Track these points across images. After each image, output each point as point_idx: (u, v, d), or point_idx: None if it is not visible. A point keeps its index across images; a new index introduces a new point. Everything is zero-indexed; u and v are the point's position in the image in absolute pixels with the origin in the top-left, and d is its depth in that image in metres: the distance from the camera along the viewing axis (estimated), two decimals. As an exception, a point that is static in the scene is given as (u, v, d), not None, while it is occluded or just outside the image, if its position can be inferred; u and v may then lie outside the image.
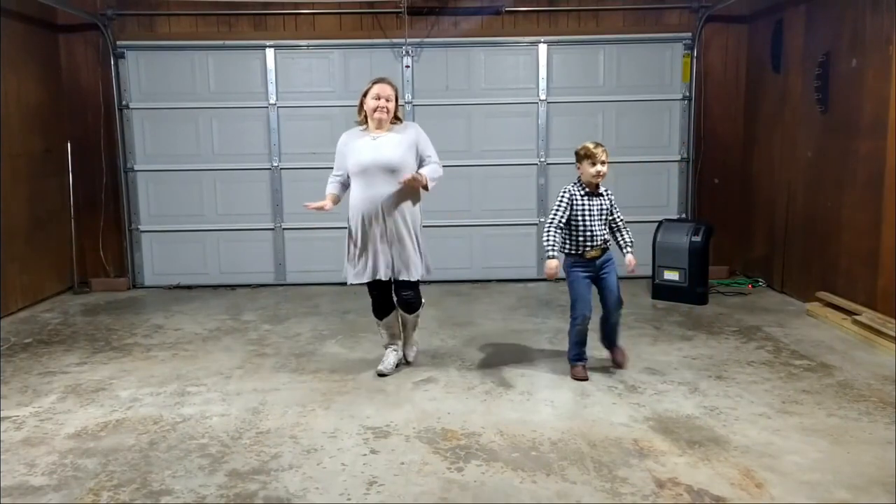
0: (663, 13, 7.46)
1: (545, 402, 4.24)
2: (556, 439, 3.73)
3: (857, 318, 5.42)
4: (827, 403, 4.15)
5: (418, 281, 4.62)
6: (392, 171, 4.41)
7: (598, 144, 4.51)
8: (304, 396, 4.38)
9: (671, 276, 6.59)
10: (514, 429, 3.86)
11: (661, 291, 6.66)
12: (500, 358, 5.07)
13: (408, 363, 4.93)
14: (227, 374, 4.81)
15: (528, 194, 7.60)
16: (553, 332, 5.71)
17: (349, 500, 3.17)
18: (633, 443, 3.68)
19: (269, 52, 7.39)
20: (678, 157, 7.62)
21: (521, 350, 5.27)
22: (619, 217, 4.64)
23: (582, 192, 4.55)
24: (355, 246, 4.55)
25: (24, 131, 6.70)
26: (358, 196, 4.51)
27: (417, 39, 7.34)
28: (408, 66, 7.38)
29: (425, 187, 4.48)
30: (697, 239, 6.50)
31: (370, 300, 4.73)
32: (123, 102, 7.41)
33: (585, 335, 4.64)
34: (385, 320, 4.77)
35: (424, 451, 3.62)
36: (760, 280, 7.23)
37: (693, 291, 6.49)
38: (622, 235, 4.64)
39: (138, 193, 7.55)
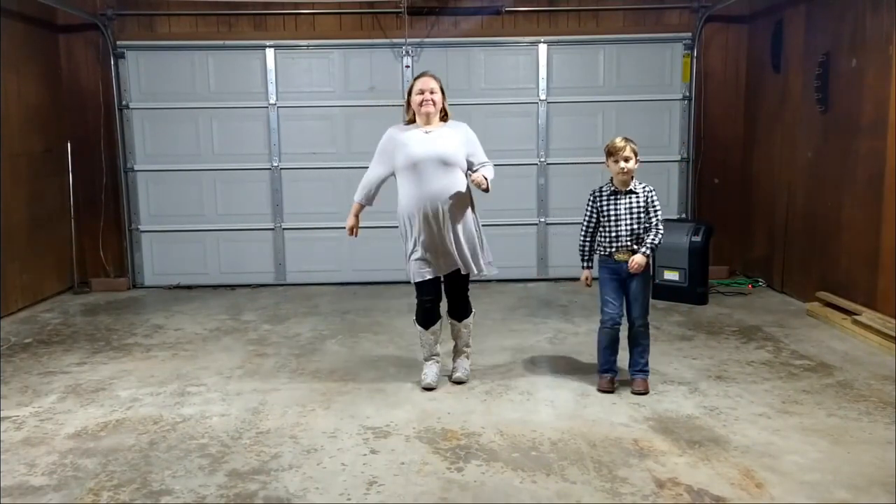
0: (663, 13, 7.46)
1: (545, 402, 4.24)
2: (556, 439, 3.73)
3: (857, 318, 5.42)
4: (827, 403, 4.15)
5: (468, 287, 4.50)
6: (447, 164, 4.23)
7: (626, 140, 4.25)
8: (304, 396, 4.38)
9: (671, 276, 6.59)
10: (514, 429, 3.86)
11: (661, 291, 6.66)
12: (500, 358, 5.07)
13: (456, 383, 4.52)
14: (227, 374, 4.81)
15: (528, 194, 7.60)
16: (553, 332, 5.71)
17: (349, 500, 3.17)
18: (633, 443, 3.68)
19: (269, 52, 7.39)
20: (678, 157, 7.62)
21: (521, 350, 5.27)
22: (654, 216, 4.27)
23: (608, 192, 4.31)
24: (415, 244, 4.31)
25: (24, 131, 6.70)
26: (412, 192, 4.26)
27: (417, 39, 7.34)
28: (408, 66, 7.38)
29: (487, 189, 4.26)
30: (697, 239, 6.50)
31: (418, 305, 4.45)
32: (123, 102, 7.41)
33: (614, 342, 4.40)
34: (431, 328, 4.48)
35: (424, 451, 3.61)
36: (760, 280, 7.23)
37: (693, 291, 6.49)
38: (647, 236, 4.26)
39: (138, 193, 7.55)
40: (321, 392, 4.45)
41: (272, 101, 7.45)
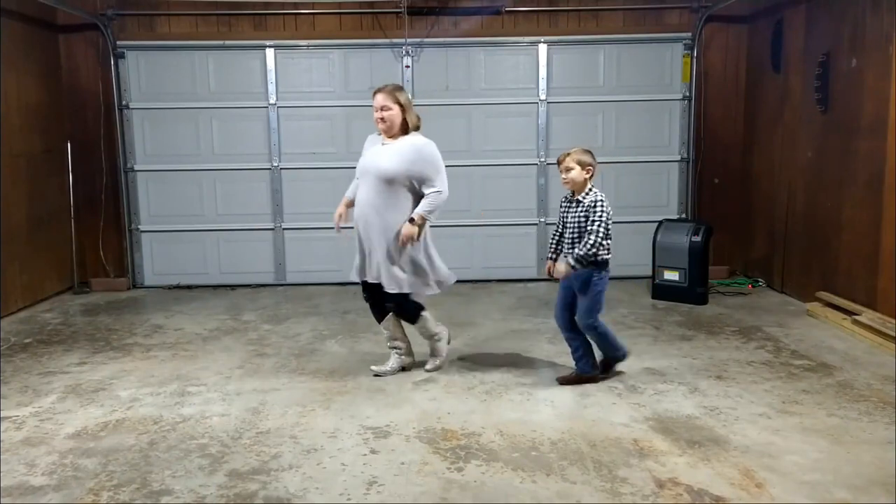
0: (663, 13, 7.46)
1: (545, 402, 4.24)
2: (556, 439, 3.73)
3: (857, 318, 5.42)
4: (827, 403, 4.15)
5: (403, 294, 4.53)
6: (384, 180, 4.38)
7: (568, 153, 4.36)
8: (304, 396, 4.38)
9: (671, 276, 6.59)
10: (514, 429, 3.86)
11: (661, 291, 6.66)
12: (500, 358, 5.07)
13: (427, 370, 4.79)
14: (227, 374, 4.81)
15: (528, 194, 7.60)
16: (553, 332, 5.69)
17: (349, 500, 3.17)
18: (633, 443, 3.68)
19: (269, 52, 7.39)
20: (678, 157, 7.62)
21: (521, 350, 5.27)
22: (590, 226, 4.25)
23: (568, 199, 4.47)
24: (357, 244, 4.60)
25: (24, 131, 6.70)
26: (357, 198, 4.55)
27: (417, 39, 7.34)
28: (408, 66, 7.38)
29: (421, 225, 4.43)
30: (697, 239, 6.50)
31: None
32: (123, 102, 7.41)
33: (567, 341, 4.60)
34: (382, 324, 4.73)
35: (424, 451, 3.62)
36: (760, 280, 7.23)
37: (693, 291, 6.49)
38: (578, 244, 4.29)
39: (138, 193, 7.55)
40: (321, 392, 4.45)
41: (272, 101, 7.45)
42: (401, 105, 4.43)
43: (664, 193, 7.68)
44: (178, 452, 3.65)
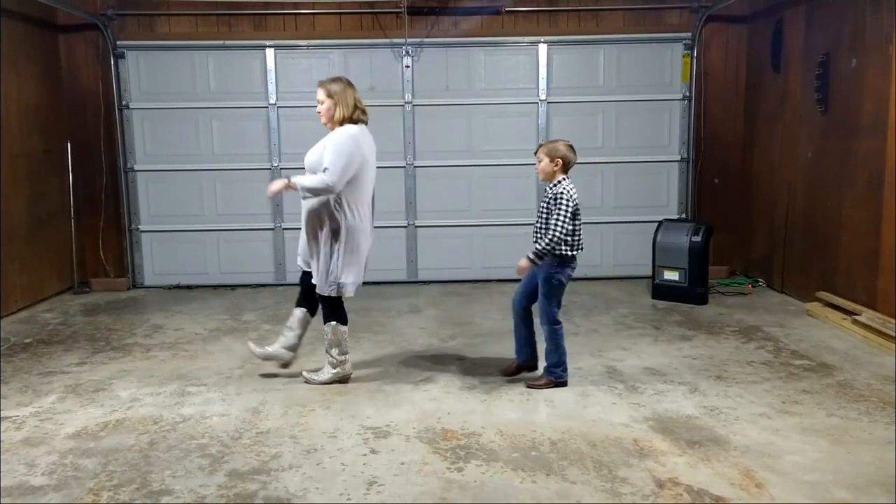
0: (663, 13, 7.46)
1: (545, 402, 4.24)
2: (556, 439, 3.73)
3: (857, 318, 5.42)
4: (827, 403, 4.15)
5: (327, 298, 4.39)
6: (307, 170, 4.31)
7: (542, 143, 4.44)
8: (304, 396, 4.38)
9: (671, 276, 6.59)
10: (514, 429, 3.86)
11: (661, 291, 6.66)
12: (500, 358, 5.07)
13: (303, 375, 4.62)
14: (227, 374, 4.81)
15: (528, 194, 7.60)
16: (553, 332, 5.70)
17: (349, 500, 3.17)
18: (633, 443, 3.68)
19: (269, 52, 7.39)
20: (678, 157, 7.62)
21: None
22: (551, 224, 4.23)
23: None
24: None
25: (24, 131, 6.70)
26: None
27: (417, 39, 7.34)
28: (408, 66, 7.38)
29: (287, 188, 4.27)
30: (697, 239, 6.50)
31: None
32: (123, 102, 7.41)
33: (516, 324, 4.61)
34: (295, 308, 4.65)
35: (424, 451, 3.62)
36: (760, 280, 7.23)
37: (693, 291, 6.49)
38: (541, 236, 4.31)
39: (138, 193, 7.55)
40: (321, 392, 4.44)
41: (272, 101, 7.45)
42: (331, 97, 4.31)
43: (664, 193, 7.68)
44: (178, 452, 3.65)
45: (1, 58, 6.32)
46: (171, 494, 3.23)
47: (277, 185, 4.34)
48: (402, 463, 3.49)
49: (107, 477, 3.40)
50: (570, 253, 4.31)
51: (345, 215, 4.28)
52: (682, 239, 6.55)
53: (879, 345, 5.08)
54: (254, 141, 7.50)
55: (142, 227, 7.59)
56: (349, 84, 4.37)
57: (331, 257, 4.32)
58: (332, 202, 4.26)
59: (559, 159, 4.29)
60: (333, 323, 4.46)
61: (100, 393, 4.50)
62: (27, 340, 5.67)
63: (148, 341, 5.62)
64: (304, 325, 4.64)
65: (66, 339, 5.70)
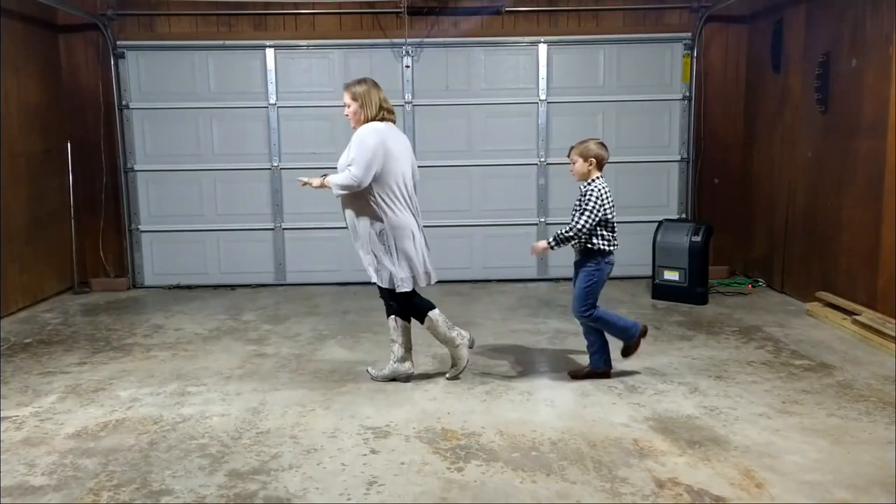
0: (663, 13, 7.46)
1: (545, 402, 4.24)
2: (556, 439, 3.73)
3: (857, 318, 5.42)
4: (827, 403, 4.15)
5: (392, 289, 4.41)
6: (340, 170, 4.35)
7: (574, 144, 4.47)
8: (304, 396, 4.38)
9: (671, 276, 6.59)
10: (514, 429, 3.86)
11: (661, 291, 6.66)
12: (500, 358, 5.07)
13: (447, 378, 4.62)
14: (227, 374, 4.81)
15: (528, 194, 7.60)
16: (553, 332, 5.71)
17: (349, 500, 3.17)
18: (633, 443, 3.68)
19: (269, 52, 7.39)
20: (678, 157, 7.62)
21: (521, 350, 5.27)
22: (576, 215, 4.35)
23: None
24: None
25: (24, 131, 6.70)
26: None
27: (417, 39, 7.34)
28: (408, 66, 7.38)
29: (317, 185, 4.39)
30: (697, 239, 6.50)
31: (375, 302, 4.62)
32: (123, 102, 7.41)
33: (584, 335, 4.61)
34: (387, 320, 4.62)
35: (424, 451, 3.62)
36: (760, 280, 7.23)
37: (693, 291, 6.49)
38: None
39: (138, 193, 7.55)
40: (321, 392, 4.45)
41: (272, 101, 7.45)
42: (356, 99, 4.37)
43: (664, 193, 7.68)
44: (178, 452, 3.65)
45: (1, 58, 6.32)
46: (171, 494, 3.23)
47: (316, 181, 4.42)
48: (402, 463, 3.49)
49: (107, 477, 3.40)
50: (607, 247, 4.40)
51: (384, 213, 4.33)
52: (682, 239, 6.55)
53: (879, 345, 5.08)
54: (254, 141, 7.50)
55: (142, 227, 7.59)
56: (374, 85, 4.41)
57: (383, 256, 4.37)
58: (370, 202, 4.31)
59: (592, 158, 4.38)
60: (393, 317, 4.55)
61: (100, 393, 4.50)
62: (27, 340, 5.68)
63: (148, 341, 5.62)
64: (405, 332, 4.59)
65: (66, 339, 5.70)
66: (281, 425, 3.96)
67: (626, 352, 4.61)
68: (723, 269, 7.49)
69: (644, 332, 4.60)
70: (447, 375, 4.63)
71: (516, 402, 4.24)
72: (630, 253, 7.43)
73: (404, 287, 4.40)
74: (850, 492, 3.17)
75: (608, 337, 4.56)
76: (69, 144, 7.31)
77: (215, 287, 7.51)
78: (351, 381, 4.62)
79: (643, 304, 6.55)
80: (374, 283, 4.49)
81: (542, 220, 7.63)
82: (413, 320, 4.60)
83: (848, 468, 3.37)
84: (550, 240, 4.41)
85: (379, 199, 4.30)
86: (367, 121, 4.36)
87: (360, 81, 4.42)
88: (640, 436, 3.76)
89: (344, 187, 4.26)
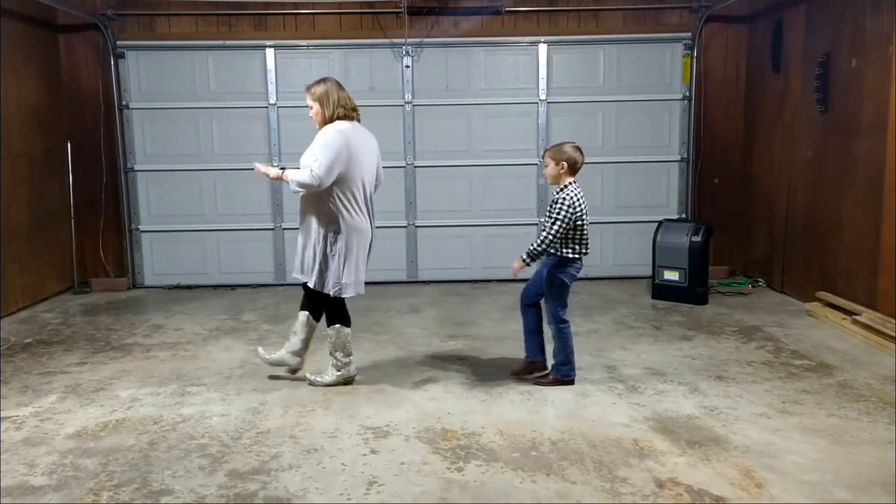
0: (663, 13, 7.46)
1: (545, 402, 4.24)
2: (556, 439, 3.73)
3: (857, 318, 5.42)
4: (827, 403, 4.15)
5: (328, 296, 4.37)
6: (302, 167, 4.32)
7: (548, 147, 4.49)
8: (304, 396, 4.38)
9: (671, 276, 6.59)
10: (514, 429, 3.86)
11: (661, 291, 6.66)
12: (500, 358, 5.07)
13: (307, 378, 4.57)
14: (227, 374, 4.81)
15: (528, 194, 7.60)
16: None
17: (349, 500, 3.17)
18: (633, 443, 3.68)
19: (269, 52, 7.39)
20: (678, 157, 7.62)
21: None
22: (548, 224, 4.28)
23: None
24: None
25: (24, 131, 6.70)
26: None
27: (417, 39, 7.34)
28: (408, 66, 7.38)
29: (279, 178, 4.36)
30: (697, 239, 6.50)
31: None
32: (123, 102, 7.41)
33: (525, 320, 4.67)
34: (299, 312, 4.61)
35: (424, 451, 3.62)
36: (760, 280, 7.23)
37: (693, 291, 6.49)
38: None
39: (138, 193, 7.55)
40: (321, 392, 4.44)
41: (272, 101, 7.45)
42: (317, 100, 4.33)
43: (664, 193, 7.68)
44: (178, 452, 3.65)
45: (1, 58, 6.32)
46: (171, 494, 3.23)
47: (273, 171, 4.38)
48: (402, 463, 3.49)
49: (107, 477, 3.40)
50: (571, 255, 4.33)
51: (342, 215, 4.28)
52: (682, 239, 6.55)
53: (879, 345, 5.08)
54: (254, 141, 7.50)
55: (142, 227, 7.59)
56: (334, 84, 4.35)
57: (331, 258, 4.32)
58: (328, 203, 4.26)
59: (564, 162, 4.31)
60: (337, 326, 4.45)
61: (100, 393, 4.50)
62: (27, 340, 5.67)
63: (148, 341, 5.62)
64: (310, 330, 4.59)
65: (66, 339, 5.70)
66: (281, 425, 3.96)
67: (521, 372, 4.63)
68: (723, 269, 7.49)
69: (543, 368, 4.61)
70: (308, 374, 4.57)
71: (516, 402, 4.24)
72: (630, 253, 7.46)
73: (345, 293, 4.36)
74: (850, 492, 3.17)
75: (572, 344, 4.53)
76: (69, 144, 7.31)
77: (215, 287, 7.51)
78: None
79: (643, 304, 6.55)
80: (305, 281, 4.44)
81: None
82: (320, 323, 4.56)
83: (848, 468, 3.37)
84: (524, 255, 4.33)
85: (338, 201, 4.27)
86: (328, 121, 4.32)
87: (319, 81, 4.38)
88: (640, 436, 3.76)
89: (302, 185, 4.24)
